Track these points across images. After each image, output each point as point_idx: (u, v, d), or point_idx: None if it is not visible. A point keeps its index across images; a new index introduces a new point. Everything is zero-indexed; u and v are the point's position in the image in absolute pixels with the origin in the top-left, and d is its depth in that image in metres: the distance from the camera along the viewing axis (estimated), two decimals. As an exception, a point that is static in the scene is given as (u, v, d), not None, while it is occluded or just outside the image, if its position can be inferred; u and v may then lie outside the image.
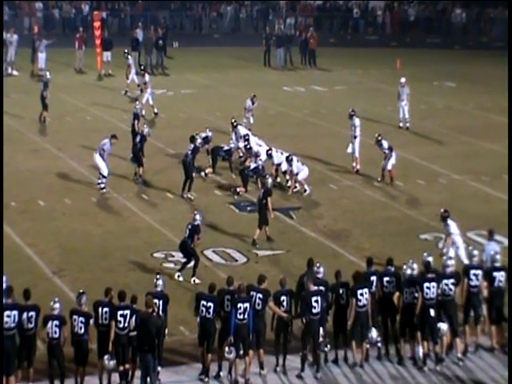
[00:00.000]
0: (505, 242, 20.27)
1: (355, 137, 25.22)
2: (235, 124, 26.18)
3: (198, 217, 18.41)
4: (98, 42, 38.94)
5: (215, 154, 25.18)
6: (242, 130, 25.99)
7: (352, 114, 25.57)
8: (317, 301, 14.75)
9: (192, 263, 18.26)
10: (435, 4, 53.08)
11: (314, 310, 14.74)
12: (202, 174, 24.71)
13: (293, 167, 23.53)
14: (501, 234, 20.63)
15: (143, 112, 28.15)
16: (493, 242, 17.36)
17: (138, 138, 24.76)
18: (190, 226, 18.36)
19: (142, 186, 23.94)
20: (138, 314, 14.20)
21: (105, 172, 23.62)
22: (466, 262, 16.75)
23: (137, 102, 28.48)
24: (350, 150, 25.25)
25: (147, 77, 32.25)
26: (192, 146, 23.76)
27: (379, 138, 24.42)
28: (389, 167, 24.32)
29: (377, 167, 24.76)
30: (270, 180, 21.13)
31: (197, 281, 17.92)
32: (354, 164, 25.35)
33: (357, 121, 25.43)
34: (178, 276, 18.17)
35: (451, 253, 17.77)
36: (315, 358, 14.89)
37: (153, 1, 50.48)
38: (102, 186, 23.58)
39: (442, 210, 18.71)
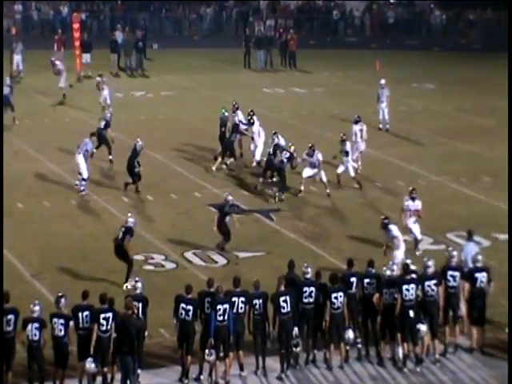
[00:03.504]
0: (484, 243, 20.40)
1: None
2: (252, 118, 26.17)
3: (131, 219, 18.23)
4: (77, 43, 38.80)
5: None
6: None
7: (357, 119, 25.84)
8: (285, 301, 14.79)
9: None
10: (414, 6, 53.30)
11: (283, 310, 14.79)
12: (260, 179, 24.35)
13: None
14: (480, 235, 20.76)
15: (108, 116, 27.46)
16: (472, 242, 17.42)
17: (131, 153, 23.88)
18: (123, 229, 18.11)
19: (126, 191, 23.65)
20: (118, 315, 14.16)
21: (85, 175, 23.54)
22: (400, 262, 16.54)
23: (107, 111, 27.95)
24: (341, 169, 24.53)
25: (103, 78, 31.92)
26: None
27: (344, 137, 24.29)
28: (339, 171, 24.04)
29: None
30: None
31: (129, 286, 17.26)
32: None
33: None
34: (126, 287, 17.50)
35: (399, 255, 17.66)
36: (291, 358, 14.93)
37: (132, 1, 50.36)
38: (82, 188, 23.50)
39: (382, 217, 18.54)
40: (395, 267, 15.56)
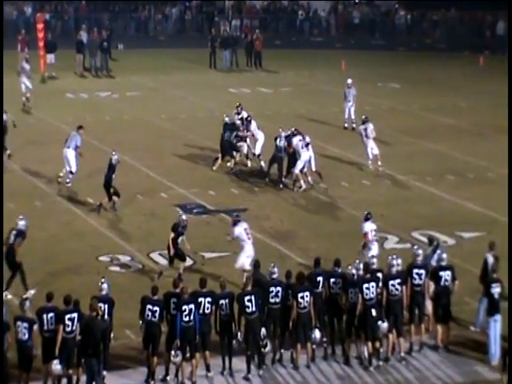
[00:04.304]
0: (449, 242, 20.55)
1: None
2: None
3: (22, 222, 17.91)
4: (41, 44, 38.53)
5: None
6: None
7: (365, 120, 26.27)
8: (250, 300, 14.80)
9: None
10: (379, 6, 53.58)
11: (247, 310, 14.80)
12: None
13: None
14: (445, 234, 20.93)
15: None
16: (438, 250, 17.23)
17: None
18: (14, 232, 17.73)
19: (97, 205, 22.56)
20: (83, 317, 14.09)
21: (73, 169, 23.56)
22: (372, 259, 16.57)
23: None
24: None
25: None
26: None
27: (295, 132, 24.49)
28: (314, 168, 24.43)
29: (322, 169, 24.90)
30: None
31: (9, 296, 16.95)
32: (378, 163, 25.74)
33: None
34: (6, 295, 16.92)
35: (374, 251, 17.77)
36: (259, 358, 14.92)
37: (97, 1, 50.13)
38: (68, 181, 23.54)
39: (366, 212, 18.58)
40: (361, 265, 15.61)
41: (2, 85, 31.74)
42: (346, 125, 30.53)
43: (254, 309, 14.82)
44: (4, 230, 17.94)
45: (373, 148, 26.10)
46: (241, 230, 18.27)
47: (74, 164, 23.54)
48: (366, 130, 26.14)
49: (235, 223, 18.45)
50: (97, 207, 22.28)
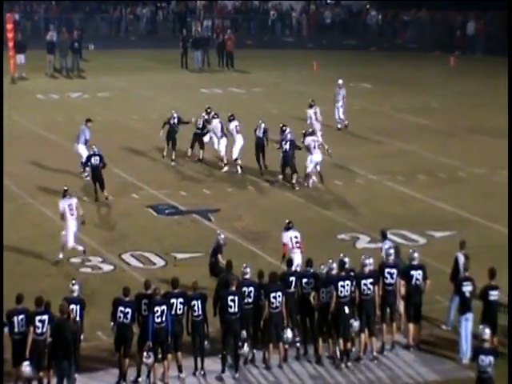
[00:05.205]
0: (420, 241, 20.63)
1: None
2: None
3: None
4: (10, 44, 38.27)
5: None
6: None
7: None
8: (233, 300, 14.76)
9: None
10: (350, 6, 53.76)
11: (230, 310, 14.76)
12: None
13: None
14: (416, 233, 21.01)
15: None
16: (387, 241, 17.33)
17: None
18: None
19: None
20: (53, 320, 13.98)
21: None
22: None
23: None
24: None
25: None
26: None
27: (284, 128, 24.69)
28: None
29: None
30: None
31: None
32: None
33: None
34: None
35: (297, 260, 17.25)
36: (235, 359, 14.90)
37: (67, 1, 49.86)
38: (86, 174, 24.05)
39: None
40: (335, 265, 15.57)
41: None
42: (338, 126, 30.72)
43: (236, 309, 14.76)
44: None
45: (321, 131, 27.00)
46: (287, 234, 17.77)
47: (85, 156, 23.71)
48: (315, 113, 27.45)
49: (286, 229, 17.92)
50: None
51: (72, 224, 19.16)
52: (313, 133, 25.24)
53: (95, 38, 46.79)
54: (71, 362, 13.83)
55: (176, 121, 26.35)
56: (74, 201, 19.45)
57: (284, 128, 24.75)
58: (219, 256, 17.44)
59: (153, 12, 51.21)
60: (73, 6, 50.13)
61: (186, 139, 26.53)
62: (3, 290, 16.89)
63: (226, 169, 25.79)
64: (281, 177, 24.66)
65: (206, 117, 26.49)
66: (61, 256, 19.08)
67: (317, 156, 24.31)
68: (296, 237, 17.73)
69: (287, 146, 24.29)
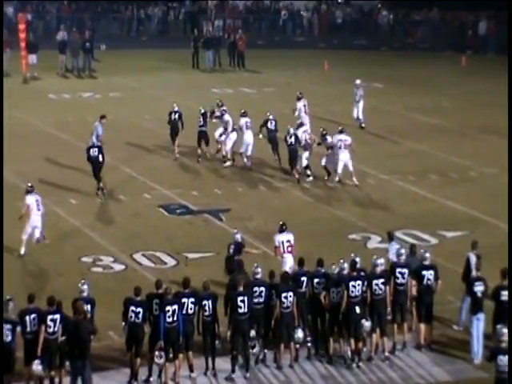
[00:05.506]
0: (432, 241, 20.59)
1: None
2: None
3: None
4: (22, 44, 38.36)
5: None
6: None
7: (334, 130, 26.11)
8: (243, 301, 14.77)
9: None
10: (362, 6, 53.67)
11: (239, 310, 14.77)
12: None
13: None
14: (428, 233, 20.98)
15: None
16: (394, 242, 17.29)
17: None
18: None
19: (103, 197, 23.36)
20: (69, 319, 14.03)
21: (100, 159, 23.59)
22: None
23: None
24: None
25: None
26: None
27: (324, 132, 24.82)
28: (323, 163, 24.64)
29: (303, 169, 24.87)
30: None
31: None
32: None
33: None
34: None
35: (289, 263, 17.31)
36: (245, 359, 14.90)
37: (79, 1, 49.95)
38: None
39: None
40: (346, 265, 15.56)
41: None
42: (362, 125, 30.70)
43: (245, 309, 14.77)
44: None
45: (309, 123, 27.27)
46: (278, 237, 17.67)
47: (100, 155, 23.77)
48: (305, 106, 27.92)
49: (279, 231, 17.81)
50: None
51: (36, 219, 19.52)
52: (302, 124, 25.90)
53: (107, 38, 46.86)
54: (86, 361, 13.86)
55: (177, 116, 26.52)
56: (39, 197, 19.84)
57: (324, 132, 24.85)
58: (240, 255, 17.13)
59: (164, 12, 51.24)
60: (85, 5, 50.21)
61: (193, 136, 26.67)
62: (7, 290, 16.97)
63: (228, 163, 25.91)
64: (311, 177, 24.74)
65: (217, 112, 26.58)
66: (23, 251, 19.36)
67: (344, 155, 24.29)
68: (288, 240, 17.58)
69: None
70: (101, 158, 23.14)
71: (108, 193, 23.40)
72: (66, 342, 14.01)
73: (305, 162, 24.87)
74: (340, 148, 24.38)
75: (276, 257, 17.44)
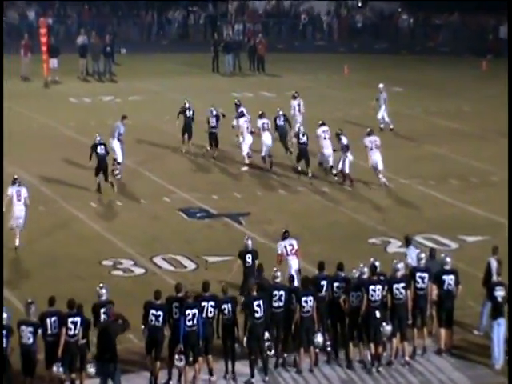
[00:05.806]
0: (452, 245, 20.52)
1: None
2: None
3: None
4: (44, 48, 38.55)
5: None
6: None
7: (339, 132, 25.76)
8: (259, 305, 14.78)
9: None
10: (382, 10, 53.56)
11: (256, 315, 14.79)
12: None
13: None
14: (448, 238, 20.91)
15: None
16: (412, 247, 17.25)
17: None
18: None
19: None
20: (100, 323, 14.15)
21: (120, 159, 24.19)
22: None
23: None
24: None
25: None
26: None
27: (339, 131, 24.96)
28: (340, 167, 24.71)
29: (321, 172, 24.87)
30: None
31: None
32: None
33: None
34: None
35: (294, 265, 17.29)
36: (263, 362, 14.90)
37: (100, 6, 50.15)
38: (117, 172, 24.21)
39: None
40: (366, 269, 15.55)
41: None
42: (391, 127, 30.83)
43: (261, 313, 14.81)
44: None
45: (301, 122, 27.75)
46: (282, 244, 17.62)
47: (119, 154, 24.26)
48: (299, 105, 28.41)
49: (283, 238, 17.78)
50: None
51: (18, 209, 19.89)
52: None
53: (127, 42, 47.01)
54: (116, 364, 13.92)
55: (192, 113, 26.68)
56: (23, 190, 20.21)
57: (339, 131, 25.08)
58: (256, 261, 17.07)
59: (184, 16, 51.35)
60: (105, 10, 50.40)
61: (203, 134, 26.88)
62: (28, 293, 17.07)
63: (244, 168, 25.92)
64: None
65: (238, 112, 26.88)
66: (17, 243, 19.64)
67: (377, 156, 24.46)
68: (291, 245, 17.58)
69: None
70: (107, 156, 23.47)
71: (125, 198, 23.43)
72: (85, 345, 14.10)
73: (330, 162, 25.10)
74: (372, 149, 24.47)
75: (278, 265, 16.93)
